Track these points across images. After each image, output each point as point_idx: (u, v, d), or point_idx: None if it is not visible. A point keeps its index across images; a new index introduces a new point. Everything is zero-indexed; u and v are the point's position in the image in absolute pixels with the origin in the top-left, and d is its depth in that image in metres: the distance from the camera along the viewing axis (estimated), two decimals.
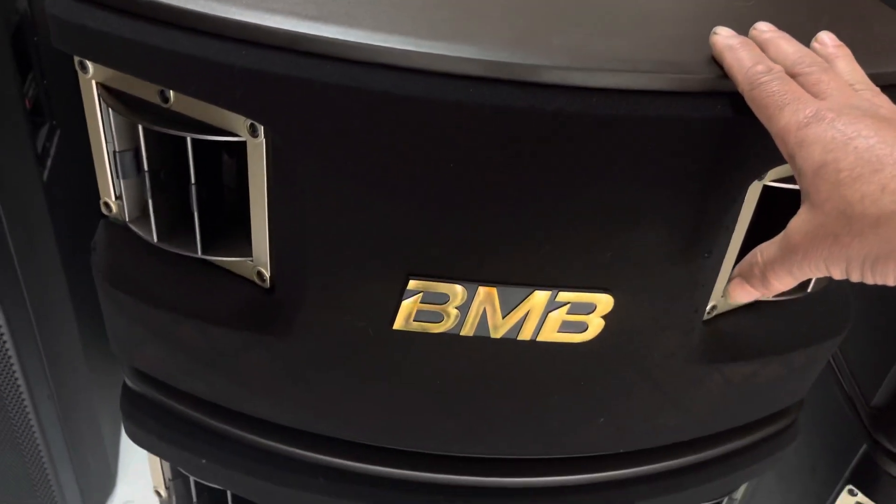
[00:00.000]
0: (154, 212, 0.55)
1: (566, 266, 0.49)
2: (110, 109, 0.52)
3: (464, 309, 0.50)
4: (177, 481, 0.72)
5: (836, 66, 0.44)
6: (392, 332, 0.51)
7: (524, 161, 0.45)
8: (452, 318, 0.50)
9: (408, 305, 0.50)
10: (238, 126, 0.49)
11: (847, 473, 0.81)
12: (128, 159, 0.55)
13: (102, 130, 0.56)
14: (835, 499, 0.83)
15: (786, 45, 0.44)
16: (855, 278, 0.38)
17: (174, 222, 0.57)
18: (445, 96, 0.43)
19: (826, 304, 0.62)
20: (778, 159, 0.48)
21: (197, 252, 0.55)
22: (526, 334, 0.51)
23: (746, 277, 0.44)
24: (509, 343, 0.51)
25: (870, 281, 0.38)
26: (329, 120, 0.45)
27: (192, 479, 0.67)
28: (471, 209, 0.47)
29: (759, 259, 0.43)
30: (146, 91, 0.51)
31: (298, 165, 0.47)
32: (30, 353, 1.15)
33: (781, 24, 0.47)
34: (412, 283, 0.49)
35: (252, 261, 0.55)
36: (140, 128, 0.51)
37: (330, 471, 0.60)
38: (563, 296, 0.50)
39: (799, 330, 0.60)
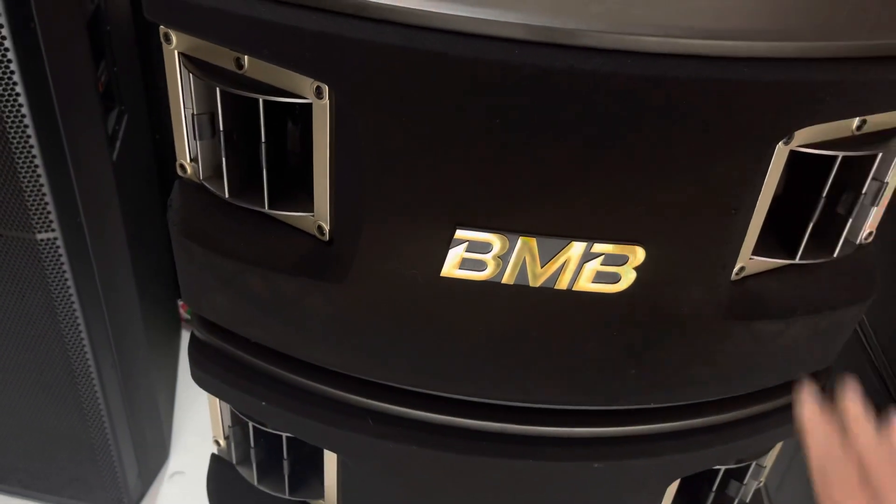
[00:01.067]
0: (227, 170, 0.60)
1: (601, 218, 0.53)
2: (191, 75, 0.58)
3: (505, 258, 0.54)
4: (235, 428, 0.77)
5: None
6: (440, 280, 0.56)
7: (562, 119, 0.49)
8: (494, 266, 0.55)
9: (454, 254, 0.55)
10: (305, 89, 0.55)
11: None
12: (204, 121, 0.61)
13: (182, 97, 0.62)
14: None
15: (864, 436, 0.44)
16: None
17: (244, 180, 0.62)
18: (491, 57, 0.47)
19: (852, 270, 0.65)
20: (804, 122, 0.52)
21: (264, 206, 0.61)
22: (563, 284, 0.55)
23: None
24: (547, 292, 0.55)
25: None
26: (388, 79, 0.50)
27: (251, 425, 0.73)
28: (513, 164, 0.51)
29: None
30: (223, 59, 0.57)
31: (359, 123, 0.52)
32: (97, 324, 1.23)
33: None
34: (459, 233, 0.54)
35: (313, 216, 0.61)
36: (218, 91, 0.57)
37: (377, 414, 0.65)
38: (598, 247, 0.54)
39: (825, 293, 0.63)
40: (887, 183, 0.60)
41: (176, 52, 0.60)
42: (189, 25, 0.56)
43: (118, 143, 1.28)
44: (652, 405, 0.64)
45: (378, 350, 0.61)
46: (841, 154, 0.56)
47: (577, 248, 0.54)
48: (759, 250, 0.60)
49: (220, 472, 0.82)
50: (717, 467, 0.72)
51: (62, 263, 1.09)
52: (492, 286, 0.56)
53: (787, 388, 0.69)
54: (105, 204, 1.22)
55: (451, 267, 0.55)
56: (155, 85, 1.62)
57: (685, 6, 0.52)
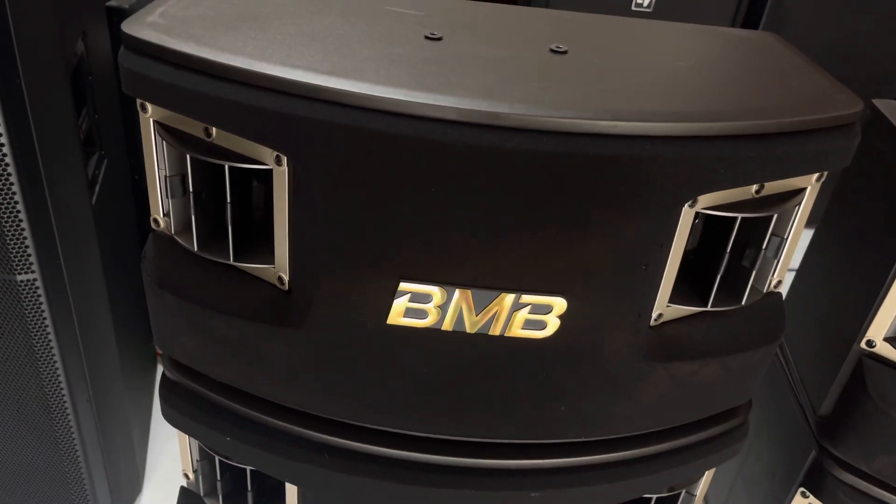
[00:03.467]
0: (196, 226, 0.67)
1: (527, 273, 0.60)
2: (164, 142, 0.65)
3: (444, 307, 0.61)
4: (203, 462, 0.83)
5: None
6: (387, 327, 0.62)
7: (490, 189, 0.56)
8: (435, 315, 0.61)
9: (399, 304, 0.61)
10: (266, 157, 0.62)
11: (800, 477, 0.89)
12: (176, 182, 0.67)
13: (156, 159, 0.69)
14: (789, 502, 0.91)
15: None
16: None
17: (211, 234, 0.69)
18: (427, 136, 0.54)
19: (762, 314, 0.72)
20: (703, 189, 0.59)
21: (229, 259, 0.67)
22: (496, 330, 0.62)
23: None
24: (482, 337, 0.62)
25: None
26: (338, 152, 0.57)
27: (217, 459, 0.78)
28: (450, 226, 0.58)
29: None
30: (193, 128, 0.64)
31: (314, 188, 0.59)
32: (73, 362, 1.27)
33: (711, 78, 0.59)
34: (402, 286, 0.60)
35: (274, 267, 0.67)
36: (188, 157, 0.63)
37: (333, 448, 0.70)
38: (526, 298, 0.61)
39: (736, 336, 0.70)
40: (787, 239, 0.68)
41: (151, 120, 0.67)
42: (162, 100, 0.62)
43: (97, 187, 1.35)
44: (582, 439, 0.70)
45: (332, 389, 0.67)
46: (740, 216, 0.63)
47: (507, 299, 0.60)
48: (675, 299, 0.67)
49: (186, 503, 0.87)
50: (649, 496, 0.79)
51: (41, 304, 1.14)
52: (433, 332, 0.62)
53: (712, 421, 0.76)
54: (84, 246, 1.28)
55: (397, 315, 0.62)
56: (135, 130, 1.69)
57: (600, 90, 0.60)
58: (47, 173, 1.11)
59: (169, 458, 1.64)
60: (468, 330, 0.62)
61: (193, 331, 0.70)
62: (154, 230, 0.74)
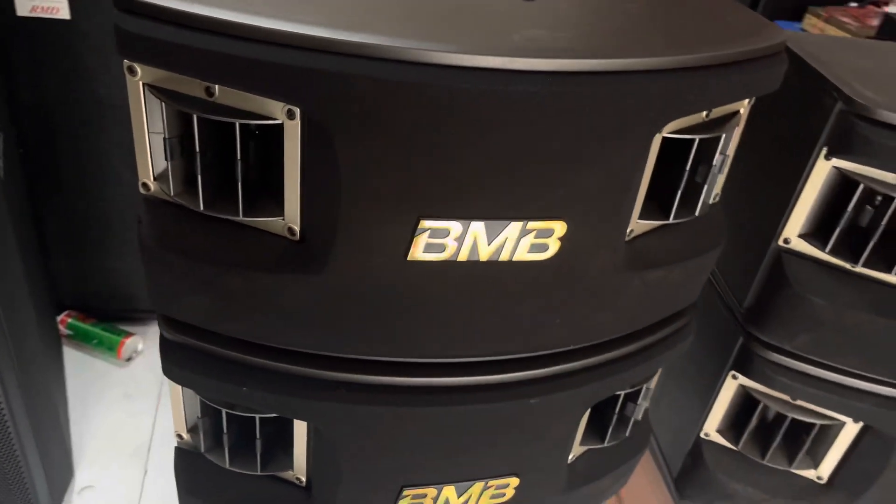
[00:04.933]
0: (202, 185, 0.68)
1: (533, 202, 0.67)
2: (163, 104, 0.65)
3: (460, 240, 0.67)
4: (205, 419, 0.85)
5: None
6: (406, 263, 0.67)
7: (498, 129, 0.62)
8: (452, 247, 0.67)
9: (419, 240, 0.66)
10: (276, 112, 0.64)
11: (730, 362, 1.04)
12: (175, 144, 0.68)
13: (146, 123, 0.69)
14: (721, 384, 1.06)
15: None
16: None
17: (214, 192, 0.70)
18: (444, 83, 0.59)
19: (709, 223, 0.83)
20: (672, 116, 0.68)
21: (238, 215, 0.69)
22: (505, 256, 0.69)
23: None
24: (493, 264, 0.69)
25: None
26: (358, 103, 0.60)
27: (224, 412, 0.81)
28: (464, 165, 0.64)
29: None
30: (193, 88, 0.65)
31: (334, 141, 0.62)
32: (2, 347, 1.22)
33: (667, 18, 0.67)
34: (423, 223, 0.66)
35: (283, 219, 0.70)
36: (195, 118, 0.64)
37: (349, 384, 0.75)
38: (532, 225, 0.68)
39: (692, 244, 0.81)
40: (728, 156, 0.79)
41: (141, 83, 0.67)
42: (165, 62, 0.63)
43: (1, 162, 1.27)
44: (571, 347, 0.79)
45: (350, 329, 0.72)
46: (698, 137, 0.73)
47: (515, 226, 0.67)
48: (643, 215, 0.76)
49: (186, 463, 0.89)
50: (619, 392, 0.90)
51: None
52: (449, 264, 0.68)
53: (669, 320, 0.88)
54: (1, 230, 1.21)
55: (416, 251, 0.67)
56: (17, 101, 1.59)
57: (580, 33, 0.67)
58: None
59: (94, 436, 1.60)
60: (481, 258, 0.68)
61: (203, 290, 0.71)
62: (144, 195, 0.74)
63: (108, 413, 1.68)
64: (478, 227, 0.67)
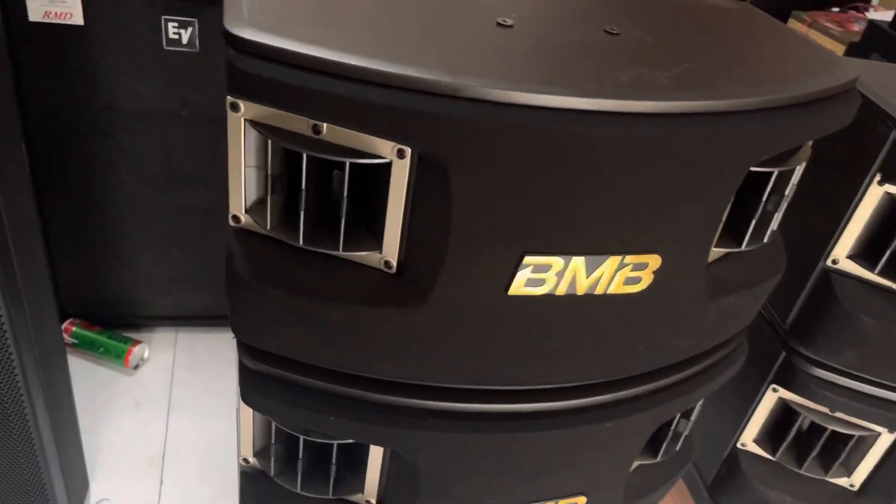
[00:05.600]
0: (304, 220, 0.68)
1: (632, 237, 0.68)
2: (270, 141, 0.65)
3: (560, 274, 0.68)
4: (278, 445, 0.85)
5: None
6: (505, 297, 0.69)
7: (604, 169, 0.64)
8: (552, 282, 0.68)
9: (521, 275, 0.68)
10: (386, 151, 0.64)
11: (770, 376, 1.07)
12: (277, 180, 0.68)
13: (244, 157, 0.69)
14: (760, 397, 1.10)
15: None
16: None
17: (309, 228, 0.70)
18: (561, 126, 0.60)
19: (771, 250, 0.86)
20: (764, 153, 0.71)
21: (339, 250, 0.69)
22: (600, 289, 0.70)
23: None
24: (589, 297, 0.70)
25: None
26: (472, 146, 0.61)
27: (301, 438, 0.81)
28: (569, 203, 0.65)
29: None
30: (299, 125, 0.65)
31: (448, 180, 0.63)
32: (28, 357, 1.21)
33: (752, 55, 0.69)
34: (526, 259, 0.67)
35: (381, 253, 0.70)
36: (304, 157, 0.64)
37: (436, 412, 0.76)
38: (629, 259, 0.69)
39: (759, 269, 0.84)
40: (794, 185, 0.82)
41: (243, 119, 0.66)
42: (278, 102, 0.63)
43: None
44: (649, 369, 0.81)
45: (447, 359, 0.73)
46: (777, 169, 0.76)
47: (612, 261, 0.69)
48: (717, 243, 0.79)
49: (253, 488, 0.89)
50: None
51: None
52: (547, 297, 0.69)
53: (727, 342, 0.90)
54: (32, 244, 1.20)
55: (518, 286, 0.68)
56: (26, 105, 1.55)
57: (674, 73, 0.68)
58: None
59: (106, 448, 1.59)
60: (577, 292, 0.70)
61: (298, 322, 0.72)
62: (234, 227, 0.73)
63: (119, 422, 1.66)
64: (578, 262, 0.68)
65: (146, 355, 1.84)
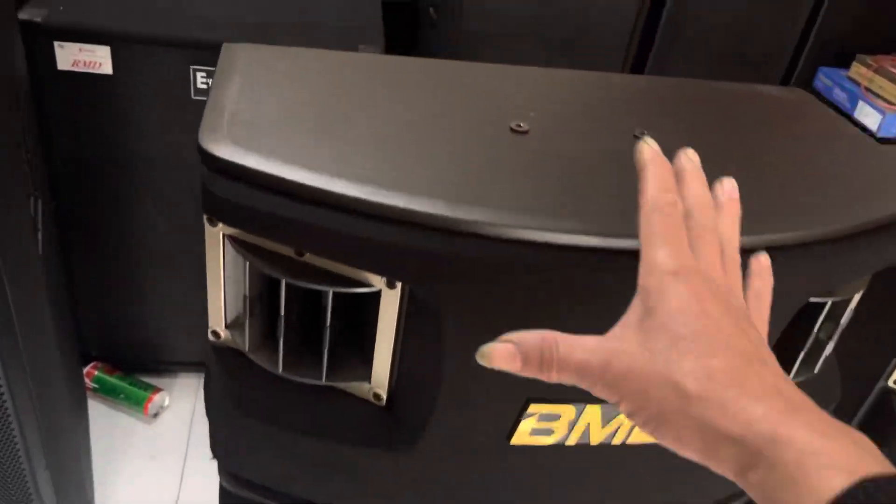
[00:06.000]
0: (283, 347, 0.61)
1: None
2: (247, 263, 0.58)
3: (572, 424, 0.59)
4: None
5: (721, 220, 0.46)
6: (508, 446, 0.60)
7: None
8: (562, 431, 0.60)
9: (526, 423, 0.59)
10: (374, 279, 0.57)
11: None
12: (256, 301, 0.61)
13: (223, 275, 0.62)
14: None
15: (694, 185, 0.46)
16: (637, 423, 0.40)
17: (292, 351, 0.63)
18: (569, 264, 0.52)
19: (825, 379, 0.76)
20: (823, 286, 0.61)
21: (321, 380, 0.62)
22: (618, 439, 0.61)
23: (527, 355, 0.43)
24: (604, 447, 0.61)
25: (645, 431, 0.40)
26: (471, 284, 0.53)
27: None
28: None
29: (554, 349, 0.42)
30: (279, 245, 0.58)
31: (439, 315, 0.55)
32: (30, 426, 1.17)
33: (804, 170, 0.60)
34: (532, 407, 0.58)
35: (370, 384, 0.63)
36: (283, 283, 0.57)
37: None
38: None
39: None
40: (852, 311, 0.71)
41: (221, 234, 0.60)
42: (254, 228, 0.56)
43: (40, 234, 1.21)
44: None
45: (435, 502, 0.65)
46: (830, 300, 0.65)
47: None
48: None
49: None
50: None
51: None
52: (556, 447, 0.61)
53: None
54: (35, 297, 1.16)
55: (522, 435, 0.59)
56: (52, 160, 1.53)
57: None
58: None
59: (116, 495, 1.55)
60: (591, 442, 0.61)
61: (277, 453, 0.64)
62: (213, 343, 0.67)
63: (134, 472, 1.62)
64: (593, 411, 0.59)
65: (166, 403, 1.80)
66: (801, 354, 0.68)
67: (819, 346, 0.70)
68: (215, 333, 0.66)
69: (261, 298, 0.61)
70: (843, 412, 0.95)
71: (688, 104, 0.75)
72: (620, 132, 0.67)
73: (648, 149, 0.46)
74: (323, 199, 0.52)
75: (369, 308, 0.59)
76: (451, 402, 0.59)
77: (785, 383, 0.38)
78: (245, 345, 0.63)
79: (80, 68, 1.45)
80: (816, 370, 0.71)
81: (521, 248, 0.52)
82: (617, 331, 0.42)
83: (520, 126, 0.64)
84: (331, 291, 0.57)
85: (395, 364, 0.61)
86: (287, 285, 0.58)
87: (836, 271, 0.58)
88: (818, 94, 2.45)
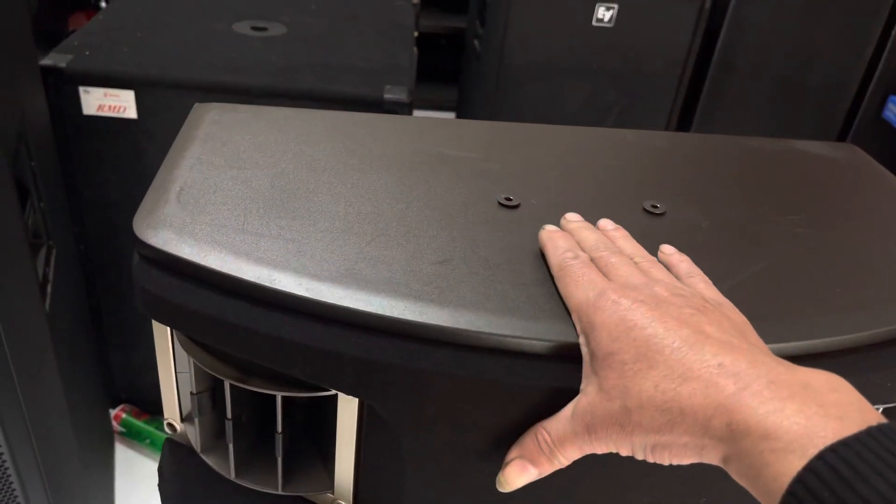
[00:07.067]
0: (234, 452, 0.54)
1: None
2: (191, 361, 0.52)
3: None
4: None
5: (620, 244, 0.50)
6: None
7: None
8: None
9: None
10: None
11: None
12: (205, 400, 0.54)
13: (174, 369, 0.56)
14: None
15: (587, 233, 0.50)
16: (640, 457, 0.40)
17: (246, 456, 0.56)
18: (552, 384, 0.43)
19: None
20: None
21: (278, 489, 0.55)
22: None
23: (532, 458, 0.44)
24: None
25: (651, 460, 0.40)
26: (433, 400, 0.45)
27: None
28: (570, 471, 0.48)
29: (547, 438, 0.43)
30: None
31: (401, 438, 0.47)
32: (32, 482, 1.13)
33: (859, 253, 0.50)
34: None
35: (332, 493, 0.55)
36: (227, 385, 0.50)
37: None
38: None
39: None
40: None
41: (168, 329, 0.53)
42: (191, 329, 0.49)
43: (49, 288, 1.18)
44: None
45: None
46: (882, 406, 0.55)
47: None
48: None
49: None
50: None
51: None
52: None
53: None
54: (40, 359, 1.12)
55: None
56: (80, 207, 1.52)
57: (746, 292, 0.50)
58: None
59: None
60: None
61: None
62: (169, 436, 0.60)
63: None
64: None
65: None
66: None
67: None
68: (171, 427, 0.60)
69: (213, 395, 0.55)
70: None
71: (712, 167, 0.66)
72: (630, 201, 0.58)
73: (544, 232, 0.51)
74: (257, 296, 0.45)
75: (329, 411, 0.52)
76: None
77: (729, 353, 0.38)
78: (197, 445, 0.57)
79: (105, 112, 1.43)
80: None
81: (491, 359, 0.43)
82: (582, 385, 0.42)
83: (509, 200, 0.56)
84: (279, 396, 0.50)
85: (360, 475, 0.53)
86: (232, 387, 0.51)
87: (880, 387, 0.48)
88: (888, 125, 2.28)
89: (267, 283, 0.45)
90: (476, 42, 2.45)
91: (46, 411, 1.11)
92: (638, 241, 0.52)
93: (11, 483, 1.10)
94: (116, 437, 1.78)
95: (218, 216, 0.51)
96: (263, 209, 0.52)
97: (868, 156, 0.71)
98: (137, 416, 1.79)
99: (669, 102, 2.38)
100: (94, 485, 1.47)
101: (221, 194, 0.53)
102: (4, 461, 1.06)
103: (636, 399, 0.38)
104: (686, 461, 0.39)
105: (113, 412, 1.79)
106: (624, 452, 0.41)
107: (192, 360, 0.52)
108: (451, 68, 3.04)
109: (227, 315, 0.45)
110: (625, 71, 2.32)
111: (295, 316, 0.45)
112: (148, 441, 1.75)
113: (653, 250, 0.51)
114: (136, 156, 1.49)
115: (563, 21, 2.20)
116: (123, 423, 1.78)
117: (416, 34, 1.74)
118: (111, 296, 1.66)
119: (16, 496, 1.12)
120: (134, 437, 1.77)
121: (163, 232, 0.49)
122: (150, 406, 1.83)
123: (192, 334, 0.50)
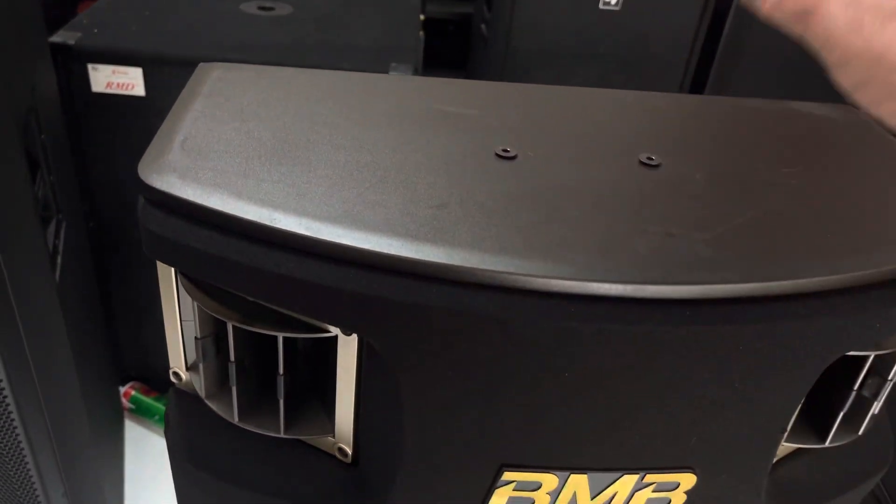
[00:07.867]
0: (237, 396, 0.55)
1: (653, 451, 0.51)
2: (195, 304, 0.53)
3: (554, 494, 0.52)
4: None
5: None
6: None
7: (613, 369, 0.47)
8: (544, 501, 0.52)
9: (501, 493, 0.51)
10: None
11: None
12: (209, 344, 0.56)
13: (179, 314, 0.57)
14: None
15: None
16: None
17: (251, 400, 0.57)
18: (550, 317, 0.44)
19: (872, 441, 0.65)
20: (854, 345, 0.51)
21: (280, 432, 0.56)
22: None
23: None
24: None
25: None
26: (434, 338, 0.46)
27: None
28: (563, 407, 0.49)
29: None
30: None
31: (396, 372, 0.48)
32: (47, 461, 1.15)
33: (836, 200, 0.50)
34: (506, 474, 0.51)
35: (334, 438, 0.56)
36: (230, 326, 0.52)
37: None
38: (650, 477, 0.52)
39: (851, 467, 0.63)
40: None
41: (173, 271, 0.55)
42: (197, 270, 0.51)
43: (59, 259, 1.20)
44: None
45: None
46: (873, 353, 0.56)
47: (628, 479, 0.51)
48: (789, 437, 0.59)
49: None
50: None
51: (8, 407, 1.01)
52: None
53: None
54: (50, 330, 1.14)
55: None
56: (90, 183, 1.54)
57: (728, 235, 0.51)
58: (5, 257, 0.97)
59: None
60: None
61: None
62: (175, 385, 0.62)
63: (167, 493, 1.60)
64: (579, 480, 0.51)
65: None
66: (840, 415, 0.58)
67: (861, 402, 0.60)
68: (176, 375, 0.61)
69: (216, 341, 0.56)
70: None
71: (709, 126, 0.67)
72: (626, 154, 0.59)
73: None
74: (262, 235, 0.46)
75: (330, 358, 0.53)
76: (417, 466, 0.52)
77: None
78: (201, 391, 0.58)
79: (113, 90, 1.45)
80: (861, 431, 0.61)
81: (487, 295, 0.44)
82: None
83: (506, 151, 0.57)
84: (280, 336, 0.51)
85: (359, 418, 0.54)
86: (235, 329, 0.52)
87: (867, 329, 0.49)
88: None
89: (268, 223, 0.46)
90: (483, 26, 2.45)
91: (58, 383, 1.13)
92: (633, 190, 0.53)
93: (24, 456, 1.12)
94: (126, 413, 1.80)
95: (220, 162, 0.52)
96: (265, 157, 0.53)
97: (866, 116, 0.72)
98: (146, 393, 1.81)
99: (676, 86, 2.38)
100: (104, 459, 1.49)
101: (224, 144, 0.54)
102: (17, 434, 1.08)
103: None
104: None
105: (122, 389, 1.81)
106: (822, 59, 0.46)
107: (196, 304, 0.53)
108: (459, 55, 3.04)
109: (229, 254, 0.47)
110: (632, 54, 2.32)
111: (295, 254, 0.46)
112: (157, 417, 1.78)
113: (648, 200, 0.52)
114: (144, 133, 1.50)
115: (570, 5, 2.19)
116: (133, 400, 1.80)
117: (422, 17, 1.75)
118: (120, 273, 1.68)
119: (28, 469, 1.14)
120: (143, 413, 1.79)
121: (167, 176, 0.50)
122: (160, 385, 1.85)
123: (196, 275, 0.51)
